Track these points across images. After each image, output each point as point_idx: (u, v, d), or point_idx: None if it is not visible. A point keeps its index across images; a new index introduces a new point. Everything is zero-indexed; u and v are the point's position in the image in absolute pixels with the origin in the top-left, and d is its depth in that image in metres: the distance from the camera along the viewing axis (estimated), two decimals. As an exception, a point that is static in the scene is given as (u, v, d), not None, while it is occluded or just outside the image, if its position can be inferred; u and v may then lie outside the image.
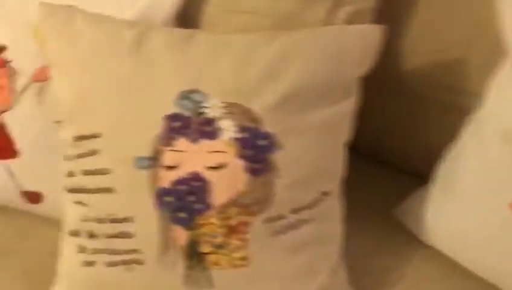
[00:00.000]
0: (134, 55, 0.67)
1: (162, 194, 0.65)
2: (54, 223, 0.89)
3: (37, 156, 0.80)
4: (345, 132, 0.70)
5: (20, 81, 0.78)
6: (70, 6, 0.71)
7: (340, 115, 0.69)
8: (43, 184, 0.82)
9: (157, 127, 0.65)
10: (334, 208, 0.72)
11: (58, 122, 0.78)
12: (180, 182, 0.64)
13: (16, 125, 0.79)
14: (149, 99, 0.66)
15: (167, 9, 0.77)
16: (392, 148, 0.94)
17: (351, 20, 0.78)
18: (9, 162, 0.81)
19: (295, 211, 0.67)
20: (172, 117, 0.64)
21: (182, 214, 0.65)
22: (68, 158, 0.70)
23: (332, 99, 0.68)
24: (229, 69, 0.66)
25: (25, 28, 0.77)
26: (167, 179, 0.65)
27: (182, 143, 0.64)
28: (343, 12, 0.77)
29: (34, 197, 0.84)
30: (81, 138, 0.67)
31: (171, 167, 0.64)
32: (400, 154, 0.94)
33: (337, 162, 0.70)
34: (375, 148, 0.94)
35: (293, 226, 0.67)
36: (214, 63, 0.66)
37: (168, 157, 0.65)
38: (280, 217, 0.66)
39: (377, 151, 0.95)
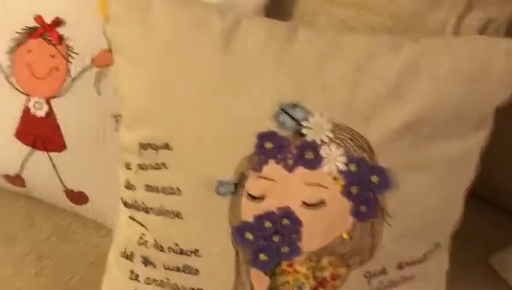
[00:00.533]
0: (224, 52, 0.53)
1: (242, 229, 0.52)
2: (98, 227, 0.78)
3: (85, 153, 0.68)
4: (471, 171, 0.56)
5: (77, 64, 0.65)
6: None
7: (470, 150, 0.55)
8: (90, 185, 0.71)
9: (247, 146, 0.52)
10: (441, 262, 0.59)
11: (117, 116, 0.67)
12: (266, 217, 0.52)
13: (66, 114, 0.67)
14: (239, 110, 0.52)
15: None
16: (497, 183, 0.81)
17: (482, 30, 0.65)
18: (54, 155, 0.69)
19: (401, 265, 0.54)
20: (266, 136, 0.51)
21: (264, 256, 0.52)
22: (128, 166, 0.57)
23: (463, 130, 0.54)
24: (341, 80, 0.52)
25: (89, 2, 0.65)
26: (251, 211, 0.52)
27: (274, 169, 0.51)
28: (475, 19, 0.63)
29: (77, 197, 0.72)
30: (148, 146, 0.55)
31: (257, 198, 0.52)
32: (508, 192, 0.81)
33: (457, 207, 0.57)
34: (477, 181, 0.82)
35: (393, 284, 0.55)
36: (322, 70, 0.52)
37: (254, 185, 0.52)
38: (381, 272, 0.53)
39: (479, 185, 0.82)
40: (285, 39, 0.54)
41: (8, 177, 0.76)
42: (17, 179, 0.75)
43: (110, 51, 0.65)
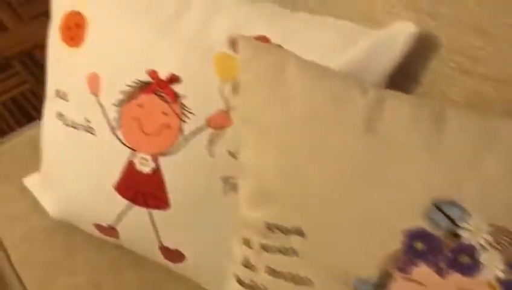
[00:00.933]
0: (367, 132, 0.49)
1: (380, 333, 0.49)
2: (187, 283, 0.73)
3: (188, 213, 0.64)
4: None
5: (191, 123, 0.61)
6: (281, 48, 0.55)
7: None
8: (188, 245, 0.67)
9: (393, 243, 0.47)
10: None
11: (228, 179, 0.62)
12: (408, 322, 0.48)
13: (174, 173, 0.63)
14: (384, 200, 0.48)
15: (390, 60, 0.58)
16: None
17: None
18: (156, 212, 0.66)
19: None
20: (417, 234, 0.47)
21: None
22: (248, 243, 0.54)
23: None
24: (499, 177, 0.47)
25: (205, 60, 0.61)
26: (393, 314, 0.49)
27: (423, 272, 0.47)
28: None
29: (173, 255, 0.68)
30: (276, 227, 0.51)
31: (402, 301, 0.48)
32: None
33: None
34: None
35: None
36: (478, 164, 0.47)
37: (401, 288, 0.47)
38: None
39: None
40: (433, 123, 0.49)
41: (99, 227, 0.73)
42: (109, 230, 0.72)
43: (226, 112, 0.63)
